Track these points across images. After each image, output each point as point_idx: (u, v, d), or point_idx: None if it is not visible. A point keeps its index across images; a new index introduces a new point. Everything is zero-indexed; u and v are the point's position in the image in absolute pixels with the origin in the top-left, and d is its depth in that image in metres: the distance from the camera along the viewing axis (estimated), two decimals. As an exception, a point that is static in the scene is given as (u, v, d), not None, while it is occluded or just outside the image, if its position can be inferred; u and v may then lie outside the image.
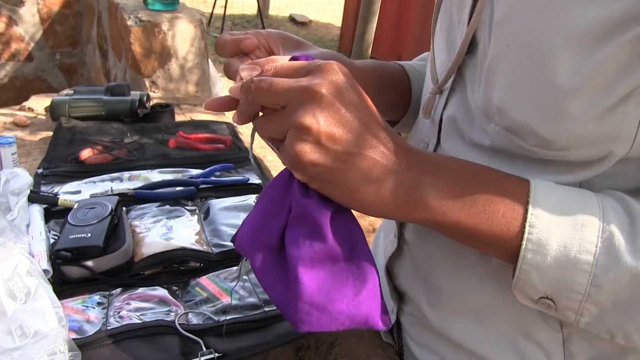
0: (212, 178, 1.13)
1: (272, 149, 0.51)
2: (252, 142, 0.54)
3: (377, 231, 0.85)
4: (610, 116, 0.46)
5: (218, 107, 0.56)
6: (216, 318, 0.73)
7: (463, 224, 0.48)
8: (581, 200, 0.47)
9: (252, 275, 0.82)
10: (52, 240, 0.86)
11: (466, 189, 0.48)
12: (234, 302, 0.77)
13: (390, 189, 0.47)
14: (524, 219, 0.46)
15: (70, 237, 0.82)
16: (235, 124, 0.55)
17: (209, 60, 2.08)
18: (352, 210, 0.51)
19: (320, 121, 0.44)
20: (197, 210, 1.01)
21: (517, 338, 0.57)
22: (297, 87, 0.45)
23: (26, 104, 1.58)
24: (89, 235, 0.82)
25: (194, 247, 0.87)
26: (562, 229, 0.46)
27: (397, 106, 0.79)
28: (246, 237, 0.54)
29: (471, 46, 0.58)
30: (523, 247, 0.46)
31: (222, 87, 2.75)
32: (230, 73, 0.62)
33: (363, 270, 0.50)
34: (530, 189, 0.48)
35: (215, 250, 0.88)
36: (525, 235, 0.46)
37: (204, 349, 0.68)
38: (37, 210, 0.92)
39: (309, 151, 0.45)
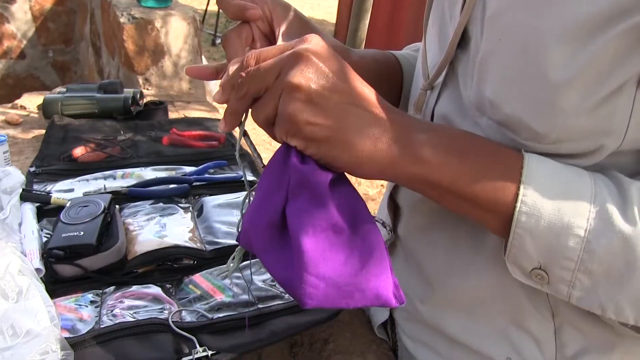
0: (206, 175, 1.13)
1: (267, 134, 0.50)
2: (239, 142, 0.54)
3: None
4: (601, 110, 0.47)
5: (198, 74, 0.58)
6: (210, 315, 0.73)
7: (457, 183, 0.48)
8: (573, 169, 0.48)
9: (246, 272, 0.82)
10: (44, 239, 0.86)
11: (462, 149, 0.49)
12: (227, 299, 0.76)
13: (386, 142, 0.47)
14: (519, 182, 0.47)
15: (62, 235, 0.81)
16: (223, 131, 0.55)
17: (203, 57, 2.07)
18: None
19: (309, 78, 0.45)
20: (190, 208, 1.01)
21: (510, 329, 0.58)
22: (284, 57, 0.46)
23: (18, 101, 1.57)
24: (82, 233, 0.82)
25: (187, 244, 0.87)
26: (556, 193, 0.46)
27: (389, 96, 0.79)
28: (248, 224, 0.52)
29: (463, 41, 0.58)
30: (517, 209, 0.46)
31: (216, 84, 2.75)
32: (226, 47, 0.61)
33: (369, 242, 0.48)
34: (524, 155, 0.48)
35: (209, 247, 0.88)
36: (520, 198, 0.46)
37: (197, 346, 0.67)
38: (29, 209, 0.92)
39: (302, 109, 0.45)
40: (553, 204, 0.46)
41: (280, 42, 0.62)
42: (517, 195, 0.46)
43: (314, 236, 0.47)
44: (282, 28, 0.62)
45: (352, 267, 0.47)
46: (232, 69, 0.49)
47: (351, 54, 0.70)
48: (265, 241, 0.51)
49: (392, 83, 0.78)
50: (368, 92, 0.48)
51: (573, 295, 0.48)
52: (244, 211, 0.55)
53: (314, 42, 0.46)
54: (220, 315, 0.73)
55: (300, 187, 0.48)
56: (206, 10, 6.51)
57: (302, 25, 0.64)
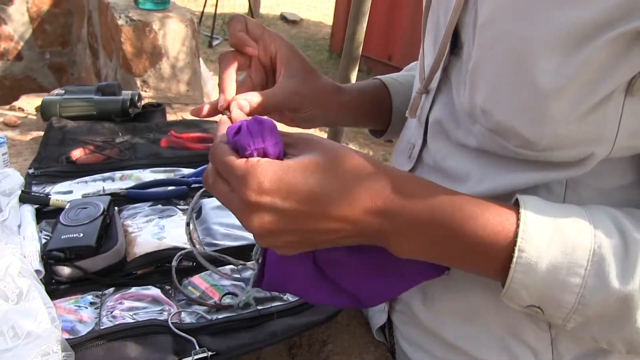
0: (204, 177, 1.13)
1: None
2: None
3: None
4: (591, 118, 0.47)
5: (199, 114, 0.62)
6: (209, 317, 0.73)
7: (447, 260, 0.51)
8: (573, 221, 0.47)
9: (246, 274, 0.82)
10: (44, 241, 0.86)
11: (439, 230, 0.48)
12: (226, 301, 0.77)
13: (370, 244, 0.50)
14: (514, 242, 0.46)
15: (62, 237, 0.82)
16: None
17: (200, 60, 2.07)
18: None
19: (270, 228, 0.46)
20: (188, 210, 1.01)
21: (507, 338, 0.58)
22: (237, 206, 0.47)
23: (16, 103, 1.57)
24: (81, 235, 0.82)
25: (186, 246, 0.87)
26: (552, 252, 0.46)
27: (380, 119, 0.81)
28: (279, 277, 0.57)
29: (457, 48, 0.58)
30: (512, 269, 0.47)
31: (214, 85, 2.75)
32: (220, 65, 0.64)
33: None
34: (521, 211, 0.47)
35: (208, 249, 0.89)
36: (515, 260, 0.46)
37: (197, 347, 0.68)
38: (28, 211, 0.92)
39: (271, 242, 0.48)
40: (548, 263, 0.46)
41: (280, 80, 0.64)
42: (512, 257, 0.46)
43: (350, 274, 0.55)
44: (284, 70, 0.65)
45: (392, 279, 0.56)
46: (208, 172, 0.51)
47: (342, 93, 0.72)
48: (307, 287, 0.57)
49: (381, 110, 0.80)
50: (336, 200, 0.46)
51: (567, 326, 0.49)
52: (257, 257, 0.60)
53: (257, 182, 0.45)
54: (220, 316, 0.73)
55: (325, 260, 0.56)
56: (203, 12, 6.52)
57: (305, 69, 0.66)
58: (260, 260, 0.58)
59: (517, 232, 0.46)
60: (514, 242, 0.46)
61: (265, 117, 0.49)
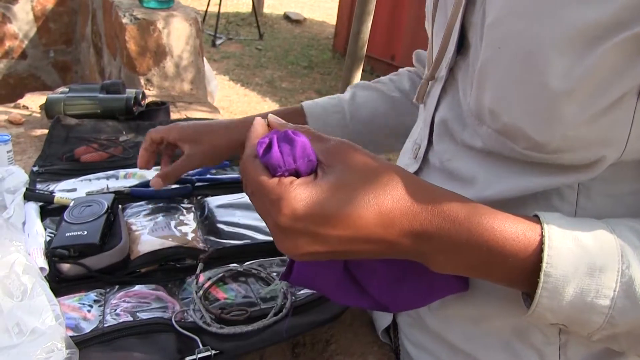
0: (208, 176, 1.13)
1: None
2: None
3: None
4: (601, 120, 0.46)
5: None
6: (213, 315, 0.73)
7: (474, 273, 0.49)
8: (598, 242, 0.46)
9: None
10: (48, 238, 0.86)
11: (476, 251, 0.46)
12: (230, 299, 0.77)
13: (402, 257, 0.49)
14: (539, 269, 0.45)
15: (66, 235, 0.82)
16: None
17: (204, 58, 2.08)
18: None
19: (307, 252, 0.46)
20: (193, 208, 1.01)
21: (513, 342, 0.57)
22: (274, 231, 0.46)
23: (21, 101, 1.57)
24: (85, 233, 0.82)
25: (190, 244, 0.87)
26: (578, 276, 0.44)
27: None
28: (311, 275, 0.57)
29: (463, 48, 0.58)
30: (538, 294, 0.45)
31: (217, 85, 2.75)
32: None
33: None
34: (544, 234, 0.46)
35: (211, 248, 0.89)
36: (540, 285, 0.45)
37: (200, 346, 0.68)
38: (32, 208, 0.92)
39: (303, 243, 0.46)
40: (575, 287, 0.45)
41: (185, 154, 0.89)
42: (537, 282, 0.45)
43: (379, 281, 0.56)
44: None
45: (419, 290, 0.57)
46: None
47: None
48: (336, 288, 0.58)
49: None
50: (371, 224, 0.45)
51: (593, 338, 0.48)
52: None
53: (290, 208, 0.44)
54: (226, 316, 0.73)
55: (356, 264, 0.56)
56: (206, 11, 6.52)
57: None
58: None
59: (542, 256, 0.45)
60: (539, 259, 0.45)
61: (296, 131, 0.47)
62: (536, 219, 0.48)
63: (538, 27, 0.46)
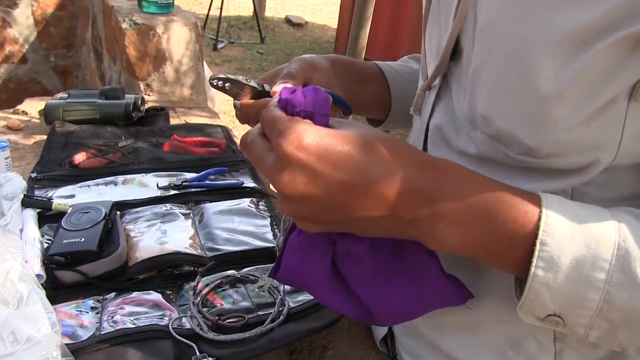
0: (207, 182, 1.13)
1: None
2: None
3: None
4: (593, 124, 0.46)
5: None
6: (210, 322, 0.73)
7: (468, 247, 0.48)
8: (595, 215, 0.45)
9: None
10: (45, 245, 0.86)
11: (475, 217, 0.46)
12: (227, 306, 0.77)
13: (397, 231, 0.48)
14: (535, 236, 0.44)
15: (64, 241, 0.82)
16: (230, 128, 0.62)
17: (204, 63, 2.08)
18: None
19: (303, 193, 0.44)
20: (191, 214, 1.01)
21: (508, 351, 0.57)
22: (271, 166, 0.45)
23: (20, 107, 1.58)
24: (83, 239, 0.82)
25: (188, 251, 0.87)
26: (574, 246, 0.44)
27: (377, 103, 0.80)
28: (297, 273, 0.56)
29: (456, 53, 0.58)
30: (533, 264, 0.44)
31: (217, 90, 2.75)
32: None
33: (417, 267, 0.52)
34: (542, 204, 0.45)
35: (209, 254, 0.89)
36: (536, 254, 0.44)
37: (197, 353, 0.68)
38: (30, 215, 0.92)
39: (304, 216, 0.45)
40: (571, 257, 0.44)
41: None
42: (533, 250, 0.44)
43: (370, 285, 0.54)
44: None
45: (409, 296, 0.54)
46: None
47: (324, 63, 0.73)
48: (322, 288, 0.56)
49: (373, 87, 0.79)
50: (372, 167, 0.44)
51: (591, 335, 0.47)
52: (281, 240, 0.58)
53: (297, 136, 0.43)
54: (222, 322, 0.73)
55: (344, 253, 0.54)
56: (208, 14, 6.53)
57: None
58: (280, 250, 0.57)
59: (539, 224, 0.44)
60: (536, 229, 0.45)
61: (323, 89, 0.48)
62: (535, 194, 0.47)
63: (527, 31, 0.46)
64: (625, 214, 0.46)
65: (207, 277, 0.83)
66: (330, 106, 0.48)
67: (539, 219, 0.45)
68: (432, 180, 0.46)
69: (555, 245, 0.44)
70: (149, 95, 1.86)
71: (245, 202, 1.05)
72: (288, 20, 8.10)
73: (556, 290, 0.45)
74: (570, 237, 0.44)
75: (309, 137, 0.43)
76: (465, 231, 0.46)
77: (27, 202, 0.95)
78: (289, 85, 0.55)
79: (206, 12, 6.53)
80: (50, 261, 0.79)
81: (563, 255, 0.44)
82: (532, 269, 0.45)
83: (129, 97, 1.44)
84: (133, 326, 0.71)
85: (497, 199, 0.46)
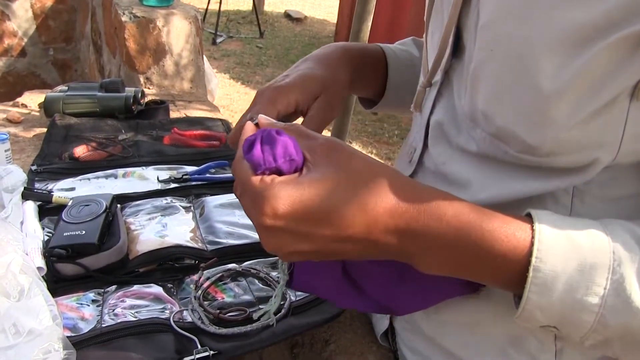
0: (207, 175, 1.13)
1: None
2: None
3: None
4: (594, 122, 0.46)
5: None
6: (211, 316, 0.73)
7: (462, 273, 0.49)
8: (590, 239, 0.45)
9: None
10: (46, 238, 0.86)
11: (463, 251, 0.46)
12: (229, 299, 0.77)
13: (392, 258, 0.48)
14: (528, 263, 0.44)
15: (64, 234, 0.81)
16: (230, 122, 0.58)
17: (204, 57, 2.07)
18: None
19: (290, 251, 0.46)
20: (191, 208, 1.01)
21: (508, 348, 0.57)
22: (258, 228, 0.46)
23: (20, 100, 1.57)
24: (84, 232, 0.82)
25: (188, 244, 0.87)
26: (568, 272, 0.44)
27: (375, 87, 0.78)
28: (309, 279, 0.57)
29: (458, 50, 0.58)
30: (527, 289, 0.45)
31: (217, 83, 2.74)
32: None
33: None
34: (535, 229, 0.45)
35: (210, 247, 0.88)
36: (529, 280, 0.44)
37: (198, 346, 0.67)
38: (31, 208, 0.92)
39: (288, 254, 0.46)
40: (565, 283, 0.44)
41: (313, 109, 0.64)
42: (526, 276, 0.44)
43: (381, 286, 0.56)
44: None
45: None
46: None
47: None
48: (336, 291, 0.58)
49: (374, 70, 0.77)
50: (358, 223, 0.44)
51: (586, 344, 0.47)
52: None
53: (271, 207, 0.43)
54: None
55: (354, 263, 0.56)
56: (207, 9, 6.51)
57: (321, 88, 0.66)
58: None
59: (532, 251, 0.44)
60: (528, 260, 0.44)
61: (281, 130, 0.47)
62: (528, 217, 0.47)
63: (529, 29, 0.46)
64: (621, 231, 0.46)
65: (208, 270, 0.83)
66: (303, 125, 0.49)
67: (532, 244, 0.45)
68: (417, 215, 0.45)
69: (549, 272, 0.44)
70: (148, 88, 1.85)
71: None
72: (287, 15, 8.08)
73: (549, 311, 0.46)
74: (564, 263, 0.44)
75: (282, 204, 0.43)
76: (454, 262, 0.47)
77: (28, 194, 0.95)
78: (255, 120, 0.53)
79: (205, 6, 6.51)
80: (50, 254, 0.78)
81: (556, 281, 0.44)
82: (526, 293, 0.45)
83: (129, 91, 1.44)
84: (134, 319, 0.71)
85: (487, 233, 0.46)
